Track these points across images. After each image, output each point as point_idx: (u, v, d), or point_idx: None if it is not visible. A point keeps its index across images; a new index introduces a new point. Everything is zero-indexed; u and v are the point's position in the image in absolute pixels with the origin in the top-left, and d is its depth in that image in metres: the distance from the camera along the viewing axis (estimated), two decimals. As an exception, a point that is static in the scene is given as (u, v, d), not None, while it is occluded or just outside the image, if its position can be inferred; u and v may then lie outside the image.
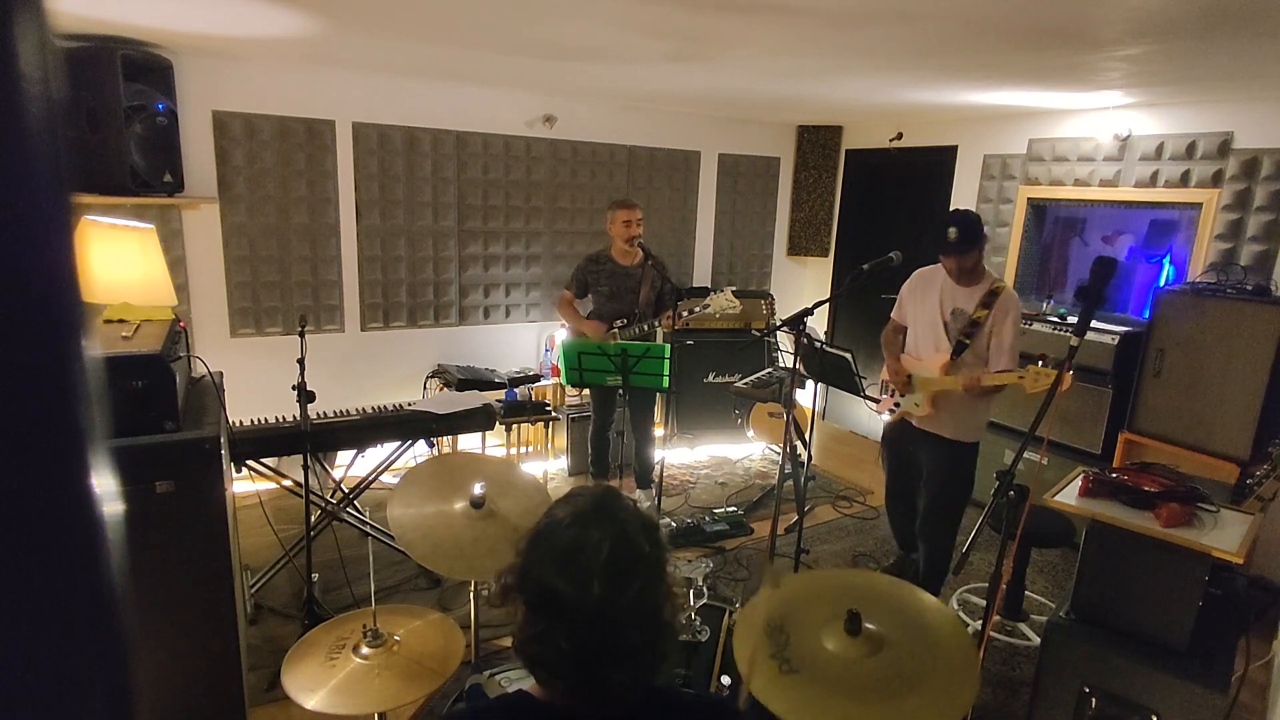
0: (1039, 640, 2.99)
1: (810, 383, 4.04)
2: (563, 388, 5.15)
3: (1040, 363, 2.82)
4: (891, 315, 3.40)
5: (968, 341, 3.01)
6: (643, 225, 4.08)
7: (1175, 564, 2.20)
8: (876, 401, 3.42)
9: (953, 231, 2.92)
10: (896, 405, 3.25)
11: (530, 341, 5.36)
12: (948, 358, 3.04)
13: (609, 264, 4.12)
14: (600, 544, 1.00)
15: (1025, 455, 2.21)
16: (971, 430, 3.14)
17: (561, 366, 3.88)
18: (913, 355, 3.23)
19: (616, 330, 4.06)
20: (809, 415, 4.35)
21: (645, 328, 4.04)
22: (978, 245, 2.96)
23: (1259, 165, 3.79)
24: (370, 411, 3.55)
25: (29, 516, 0.31)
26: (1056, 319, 4.34)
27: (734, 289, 4.11)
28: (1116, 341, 4.03)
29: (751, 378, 4.98)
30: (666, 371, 3.57)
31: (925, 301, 3.19)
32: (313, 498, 3.13)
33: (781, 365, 5.30)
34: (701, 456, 5.46)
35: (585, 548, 1.00)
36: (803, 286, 6.54)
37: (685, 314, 4.05)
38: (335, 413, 3.52)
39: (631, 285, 4.10)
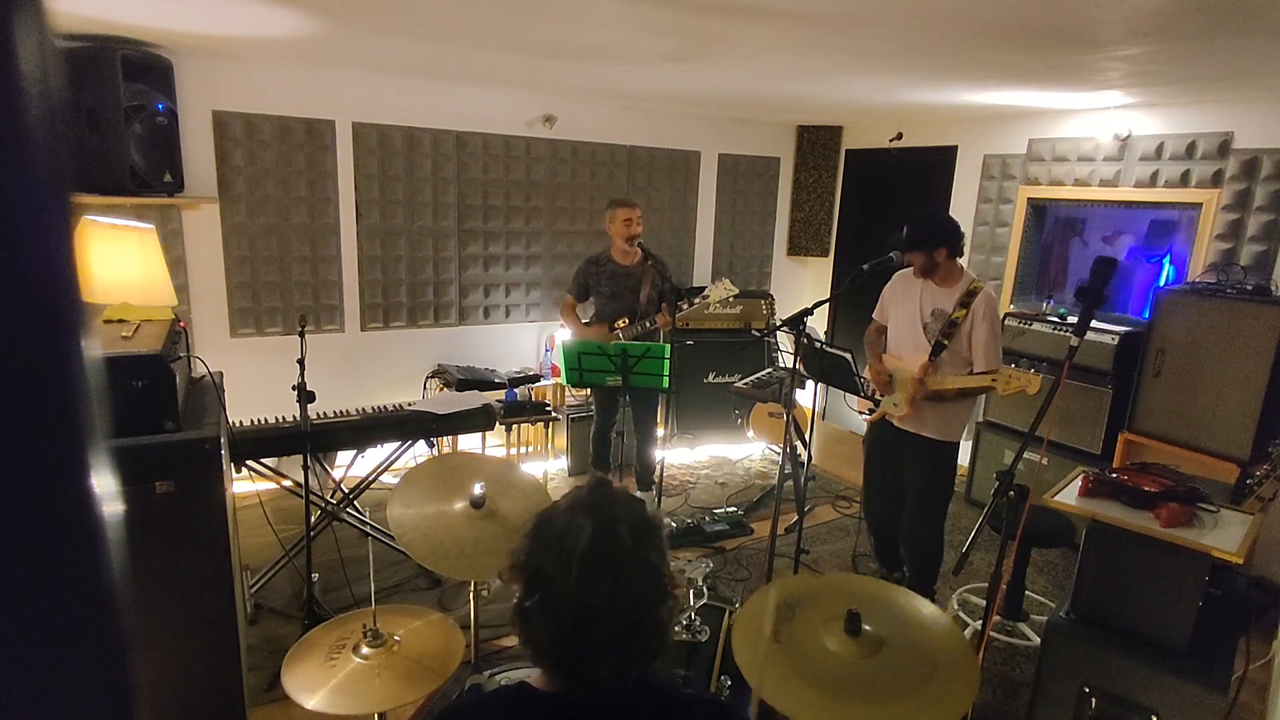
0: (1039, 640, 2.99)
1: (810, 383, 4.04)
2: (563, 388, 5.15)
3: (1014, 365, 2.85)
4: (873, 315, 3.42)
5: (946, 342, 3.03)
6: (642, 224, 4.08)
7: (1175, 564, 2.20)
8: (866, 399, 3.42)
9: (905, 228, 3.05)
10: (876, 404, 3.26)
11: (530, 341, 5.35)
12: (927, 358, 3.06)
13: (609, 264, 4.12)
14: (581, 533, 1.03)
15: (1025, 455, 2.22)
16: (953, 430, 3.15)
17: (562, 366, 3.88)
18: (894, 356, 3.25)
19: (619, 329, 4.06)
20: (809, 415, 4.35)
21: (648, 324, 4.05)
22: (927, 245, 3.02)
23: (1259, 165, 3.79)
24: (370, 411, 3.55)
25: (29, 516, 0.31)
26: (1056, 319, 4.34)
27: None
28: (1116, 341, 4.03)
29: (751, 378, 4.98)
30: (667, 371, 3.57)
31: (905, 302, 3.22)
32: (313, 498, 3.13)
33: (781, 365, 5.30)
34: (701, 456, 5.47)
35: (569, 535, 1.04)
36: (803, 286, 6.54)
37: (684, 307, 4.05)
38: (335, 413, 3.52)
39: (632, 285, 4.10)
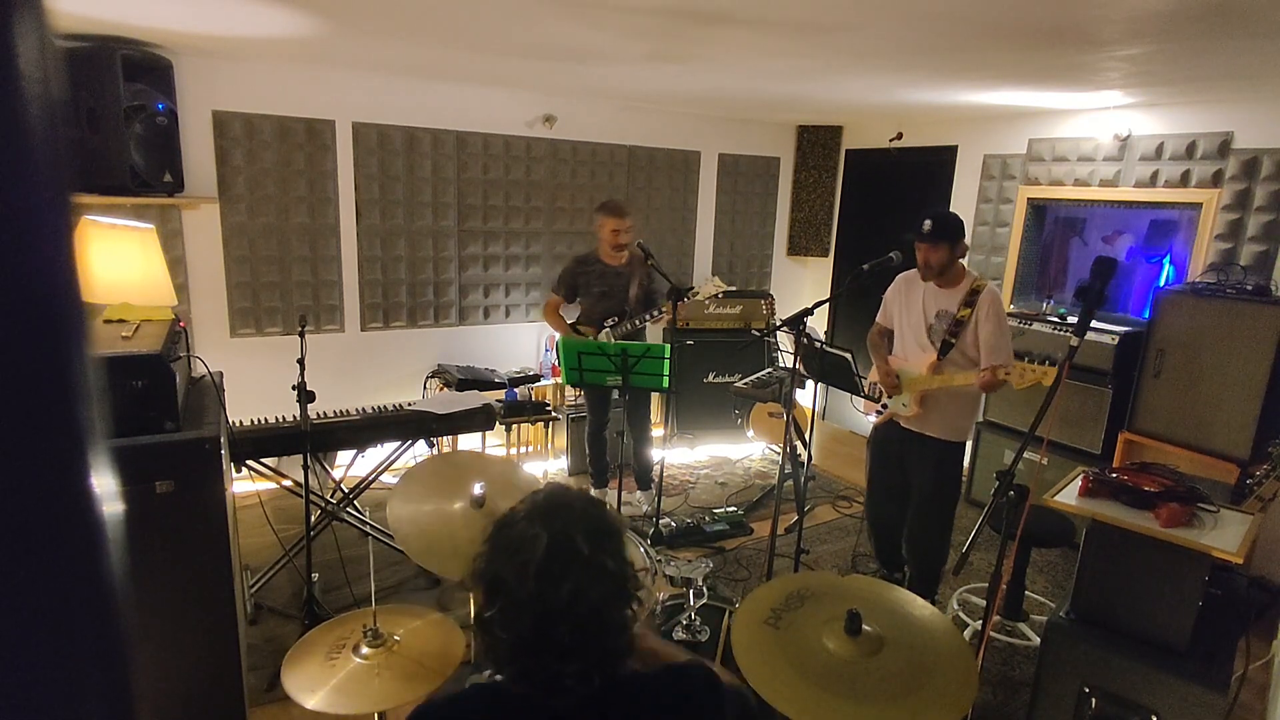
0: (1039, 640, 2.99)
1: (810, 383, 4.04)
2: (562, 388, 5.15)
3: (1027, 359, 2.84)
4: (876, 318, 3.41)
5: (953, 341, 3.03)
6: (632, 233, 4.08)
7: (1175, 564, 2.20)
8: (871, 400, 3.40)
9: (927, 224, 3.00)
10: (884, 406, 3.25)
11: (530, 341, 5.36)
12: (934, 357, 3.06)
13: (598, 265, 4.13)
14: (537, 542, 1.04)
15: (1025, 455, 2.22)
16: (960, 430, 3.15)
17: (561, 366, 3.88)
18: (899, 357, 3.25)
19: (609, 329, 4.07)
20: (809, 415, 4.35)
21: (636, 323, 4.06)
22: (948, 242, 2.98)
23: (1259, 165, 3.79)
24: (370, 411, 3.55)
25: (29, 516, 0.31)
26: (1056, 319, 4.34)
27: (733, 288, 4.11)
28: (1116, 341, 4.03)
29: (751, 378, 4.97)
30: (666, 371, 3.57)
31: (909, 304, 3.22)
32: (313, 498, 3.13)
33: (781, 365, 5.30)
34: (701, 456, 5.46)
35: (526, 543, 1.04)
36: (803, 286, 6.54)
37: (684, 304, 4.06)
38: (335, 413, 3.52)
39: (621, 284, 4.12)
